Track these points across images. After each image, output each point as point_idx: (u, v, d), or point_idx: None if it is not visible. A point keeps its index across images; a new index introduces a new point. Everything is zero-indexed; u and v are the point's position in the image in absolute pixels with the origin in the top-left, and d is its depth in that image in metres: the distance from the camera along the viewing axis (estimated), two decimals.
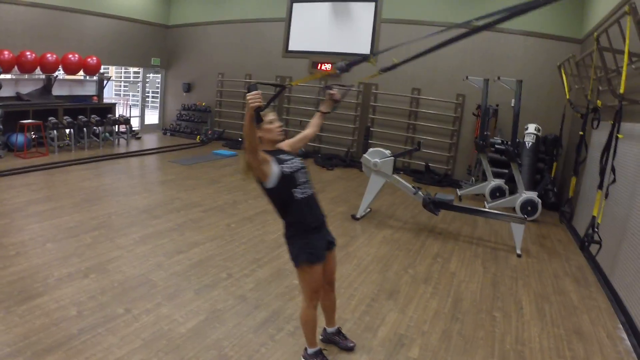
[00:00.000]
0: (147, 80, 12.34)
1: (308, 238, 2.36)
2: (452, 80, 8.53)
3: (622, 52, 3.58)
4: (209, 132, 11.29)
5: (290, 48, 10.47)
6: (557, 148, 7.07)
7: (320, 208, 2.47)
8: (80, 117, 8.68)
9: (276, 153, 2.34)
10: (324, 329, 2.82)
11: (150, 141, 10.68)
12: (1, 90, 7.63)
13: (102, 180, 6.75)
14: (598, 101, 4.54)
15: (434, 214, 5.30)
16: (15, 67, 8.25)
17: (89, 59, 9.42)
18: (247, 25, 11.00)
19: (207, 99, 11.78)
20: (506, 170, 6.94)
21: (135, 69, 12.47)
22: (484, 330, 3.17)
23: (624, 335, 3.26)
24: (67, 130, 8.74)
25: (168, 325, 2.87)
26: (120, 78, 14.07)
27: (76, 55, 9.12)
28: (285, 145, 2.47)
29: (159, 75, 12.54)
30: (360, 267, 4.14)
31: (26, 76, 8.68)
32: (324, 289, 2.55)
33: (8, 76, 8.28)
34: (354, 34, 9.64)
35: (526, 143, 6.99)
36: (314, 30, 10.10)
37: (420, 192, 5.34)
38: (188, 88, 12.14)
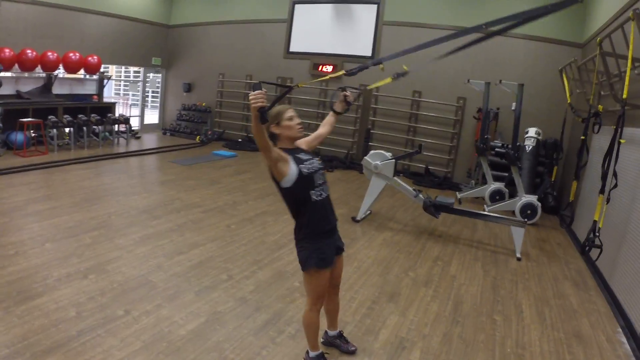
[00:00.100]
0: (148, 79, 12.32)
1: (319, 243, 2.31)
2: (453, 83, 8.54)
3: (625, 57, 3.58)
4: (209, 132, 11.28)
5: (292, 49, 10.47)
6: (557, 152, 7.08)
7: (334, 211, 2.43)
8: (80, 116, 8.66)
9: (295, 152, 2.29)
10: (326, 332, 2.81)
11: (150, 141, 10.66)
12: (1, 88, 7.62)
13: (102, 179, 6.74)
14: (599, 106, 4.54)
15: (434, 217, 5.30)
16: (16, 65, 8.23)
17: (89, 58, 9.41)
18: (249, 26, 10.99)
19: (208, 100, 11.77)
20: (506, 174, 6.95)
21: (136, 69, 12.46)
22: (484, 334, 3.17)
23: (624, 339, 3.27)
24: (67, 129, 8.73)
25: (168, 327, 2.86)
26: (121, 77, 14.06)
27: (77, 54, 9.10)
28: (302, 143, 2.42)
29: (160, 75, 12.52)
30: (361, 270, 4.14)
31: (26, 74, 8.66)
32: (328, 292, 2.53)
33: (8, 74, 8.26)
34: (355, 36, 9.64)
35: (526, 147, 7.00)
36: (315, 32, 10.10)
37: (420, 195, 5.34)
38: (188, 88, 12.13)
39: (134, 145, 9.76)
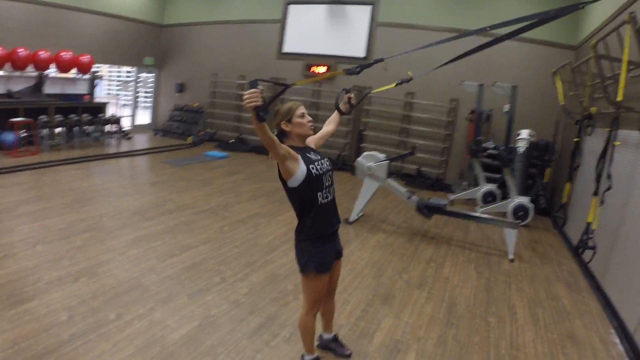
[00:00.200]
0: (139, 79, 12.21)
1: (321, 247, 2.26)
2: (446, 85, 8.56)
3: (620, 60, 3.60)
4: (201, 133, 11.21)
5: (285, 50, 10.44)
6: (550, 154, 7.11)
7: (338, 214, 2.37)
8: (71, 116, 8.57)
9: (305, 151, 2.23)
10: (321, 335, 2.79)
11: (141, 141, 10.57)
12: None
13: (93, 180, 6.67)
14: (593, 108, 4.57)
15: (426, 218, 5.31)
16: (8, 64, 8.12)
17: (82, 57, 9.31)
18: (242, 26, 10.95)
19: (200, 100, 11.70)
20: (498, 175, 6.97)
21: (128, 68, 12.35)
22: (479, 336, 3.17)
23: (617, 340, 3.29)
24: (58, 129, 8.62)
25: (161, 331, 2.82)
26: (113, 77, 13.93)
27: (69, 53, 9.01)
28: (310, 142, 2.35)
29: (152, 74, 12.43)
30: (355, 272, 4.13)
31: (18, 73, 8.55)
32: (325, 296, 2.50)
33: (0, 73, 8.15)
34: (349, 37, 9.63)
35: (518, 148, 7.03)
36: (309, 33, 10.08)
37: (414, 197, 5.34)
38: (181, 88, 12.05)
39: (125, 146, 9.67)
